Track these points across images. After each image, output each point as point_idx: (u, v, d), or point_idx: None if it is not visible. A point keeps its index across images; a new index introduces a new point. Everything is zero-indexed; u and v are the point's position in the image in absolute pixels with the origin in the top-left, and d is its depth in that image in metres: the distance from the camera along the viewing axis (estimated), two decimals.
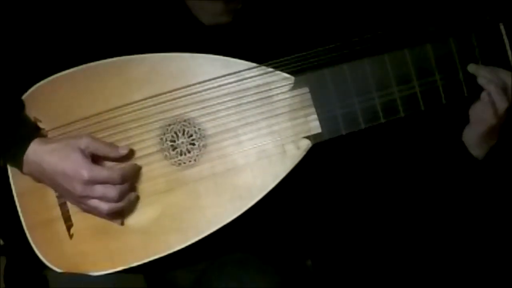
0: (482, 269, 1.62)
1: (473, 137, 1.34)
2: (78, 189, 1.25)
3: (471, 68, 1.28)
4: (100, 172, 1.26)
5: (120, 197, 1.27)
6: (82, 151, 1.26)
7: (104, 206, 1.27)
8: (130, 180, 1.29)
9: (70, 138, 1.29)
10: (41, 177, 1.29)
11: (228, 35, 1.36)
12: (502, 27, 1.27)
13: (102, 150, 1.28)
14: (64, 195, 1.31)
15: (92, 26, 1.34)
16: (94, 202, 1.27)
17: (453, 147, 1.36)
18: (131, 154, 1.30)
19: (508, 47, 1.27)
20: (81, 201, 1.28)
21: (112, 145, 1.29)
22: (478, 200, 1.57)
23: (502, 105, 1.27)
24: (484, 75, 1.27)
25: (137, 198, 1.31)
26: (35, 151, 1.27)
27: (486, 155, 1.35)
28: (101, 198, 1.26)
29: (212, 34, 1.35)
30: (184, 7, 1.36)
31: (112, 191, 1.26)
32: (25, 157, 1.27)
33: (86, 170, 1.25)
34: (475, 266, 1.61)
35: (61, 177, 1.26)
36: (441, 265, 1.59)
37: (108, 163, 1.29)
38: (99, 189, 1.26)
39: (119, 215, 1.30)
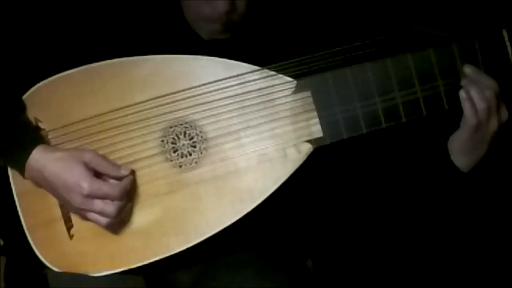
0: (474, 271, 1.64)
1: (457, 141, 1.30)
2: (78, 201, 1.25)
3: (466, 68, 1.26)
4: (101, 187, 1.25)
5: (119, 214, 1.27)
6: (86, 164, 1.26)
7: (103, 220, 1.26)
8: (130, 196, 1.29)
9: (75, 150, 1.29)
10: (43, 184, 1.29)
11: (227, 48, 1.35)
12: (505, 33, 1.26)
13: (104, 167, 1.27)
14: (65, 204, 1.31)
15: (94, 34, 1.34)
16: (93, 215, 1.27)
17: (435, 152, 1.33)
18: (133, 164, 1.30)
19: (510, 53, 1.27)
20: (80, 212, 1.28)
21: (114, 164, 1.29)
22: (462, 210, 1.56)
23: (481, 105, 1.24)
24: (469, 73, 1.26)
25: (137, 201, 1.30)
26: (38, 158, 1.26)
27: (472, 169, 1.31)
28: (100, 213, 1.26)
29: (211, 48, 1.35)
30: (183, 22, 1.36)
31: (110, 207, 1.25)
32: (27, 163, 1.27)
33: (87, 183, 1.24)
34: (473, 266, 1.63)
35: (62, 187, 1.26)
36: (440, 266, 1.60)
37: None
38: (98, 204, 1.25)
39: (118, 224, 1.30)
